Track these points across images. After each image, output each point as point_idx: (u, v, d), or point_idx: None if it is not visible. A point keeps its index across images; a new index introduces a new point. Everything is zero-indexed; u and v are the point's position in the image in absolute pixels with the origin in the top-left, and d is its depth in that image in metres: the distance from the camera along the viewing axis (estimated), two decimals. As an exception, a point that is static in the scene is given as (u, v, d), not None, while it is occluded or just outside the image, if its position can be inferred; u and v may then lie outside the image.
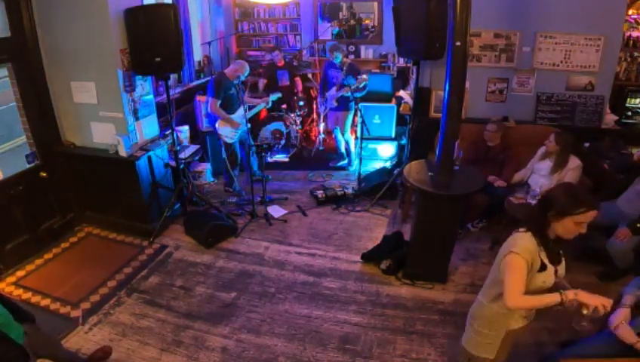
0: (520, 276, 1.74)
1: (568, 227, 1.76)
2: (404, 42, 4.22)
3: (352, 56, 6.45)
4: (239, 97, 4.43)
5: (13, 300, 2.35)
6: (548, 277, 1.81)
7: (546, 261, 1.81)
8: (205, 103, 4.70)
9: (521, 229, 1.86)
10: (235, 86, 4.42)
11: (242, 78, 4.43)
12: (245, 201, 4.66)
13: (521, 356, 2.67)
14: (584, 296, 1.70)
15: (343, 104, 5.24)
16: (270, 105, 5.11)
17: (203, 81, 5.98)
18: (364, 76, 4.88)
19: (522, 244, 1.79)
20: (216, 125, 4.60)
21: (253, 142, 4.45)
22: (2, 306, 2.00)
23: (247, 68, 4.46)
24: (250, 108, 4.83)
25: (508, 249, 1.82)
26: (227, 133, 4.59)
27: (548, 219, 1.79)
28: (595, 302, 1.68)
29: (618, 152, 3.89)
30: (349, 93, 4.78)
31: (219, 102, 4.40)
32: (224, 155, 4.88)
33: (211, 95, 4.42)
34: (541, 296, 1.78)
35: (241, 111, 4.53)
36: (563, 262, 1.89)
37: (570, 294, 1.70)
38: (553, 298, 1.72)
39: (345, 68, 4.97)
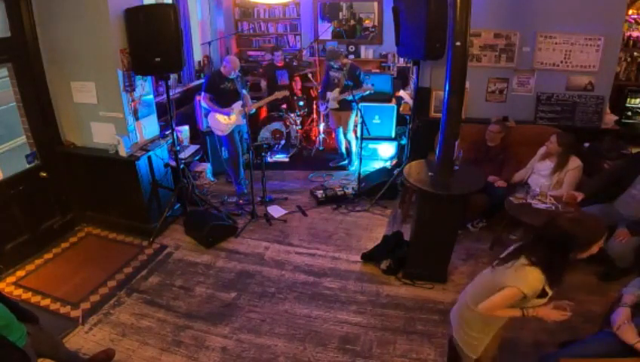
0: (508, 303, 1.89)
1: (593, 250, 1.83)
2: (404, 42, 4.22)
3: (352, 57, 6.44)
4: (236, 92, 4.43)
5: (15, 301, 2.34)
6: (545, 298, 1.88)
7: (548, 288, 1.85)
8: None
9: (525, 261, 1.85)
10: (232, 81, 4.46)
11: (237, 71, 4.42)
12: (245, 201, 4.67)
13: (520, 356, 2.68)
14: (543, 313, 1.90)
15: (345, 104, 5.24)
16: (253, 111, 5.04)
17: (203, 81, 5.98)
18: (369, 85, 4.96)
19: (531, 284, 1.82)
20: (208, 117, 4.75)
21: (249, 140, 4.44)
22: (4, 307, 1.99)
23: (236, 61, 4.46)
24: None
25: (515, 283, 1.83)
26: (216, 125, 4.65)
27: (569, 258, 1.81)
28: (552, 317, 1.89)
29: (618, 152, 3.88)
30: (351, 97, 4.76)
31: (209, 95, 4.57)
32: (225, 156, 4.89)
33: (202, 89, 4.69)
34: (507, 310, 1.92)
35: (236, 106, 4.54)
36: None
37: (531, 311, 1.90)
38: (516, 313, 1.91)
39: (345, 69, 4.97)
